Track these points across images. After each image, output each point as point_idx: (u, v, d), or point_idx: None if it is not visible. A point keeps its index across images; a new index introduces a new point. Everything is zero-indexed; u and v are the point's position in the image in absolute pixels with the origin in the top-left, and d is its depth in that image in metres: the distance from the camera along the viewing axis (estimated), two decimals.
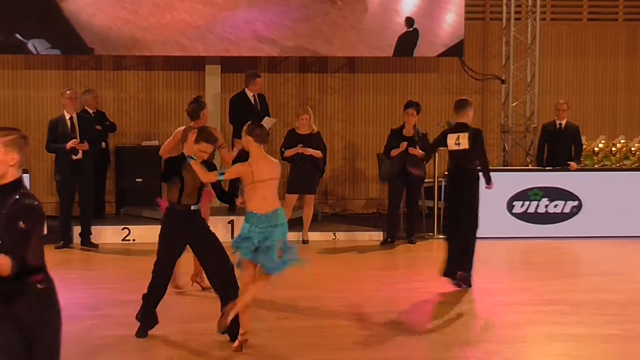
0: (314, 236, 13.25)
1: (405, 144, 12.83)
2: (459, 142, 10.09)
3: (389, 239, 13.08)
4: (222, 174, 7.65)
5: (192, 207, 8.04)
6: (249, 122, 7.80)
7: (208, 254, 7.97)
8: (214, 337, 7.95)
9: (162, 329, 8.23)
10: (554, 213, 13.70)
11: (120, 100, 15.17)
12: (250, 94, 13.48)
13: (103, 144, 13.71)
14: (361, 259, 12.17)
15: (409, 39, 14.69)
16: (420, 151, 12.99)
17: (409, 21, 14.64)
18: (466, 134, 10.12)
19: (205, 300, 9.46)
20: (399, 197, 13.14)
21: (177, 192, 7.98)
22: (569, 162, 13.65)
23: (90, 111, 13.74)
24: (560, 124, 13.86)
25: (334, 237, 13.43)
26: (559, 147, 13.79)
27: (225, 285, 7.83)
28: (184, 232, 7.99)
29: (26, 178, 12.79)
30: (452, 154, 10.23)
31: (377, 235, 13.33)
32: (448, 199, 10.43)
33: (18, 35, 13.94)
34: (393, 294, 9.96)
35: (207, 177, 7.72)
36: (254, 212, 7.46)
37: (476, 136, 10.22)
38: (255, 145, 7.59)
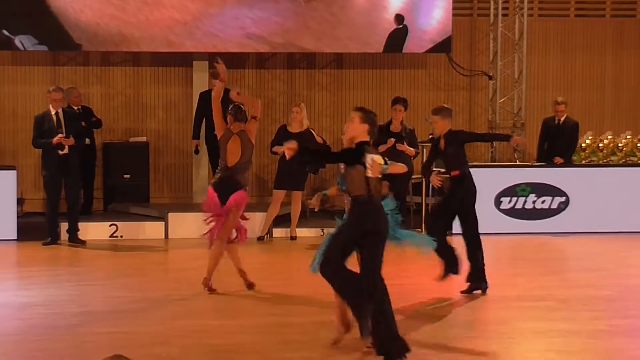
0: (302, 232, 13.25)
1: (392, 140, 12.85)
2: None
3: None
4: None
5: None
6: None
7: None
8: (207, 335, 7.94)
9: (155, 326, 8.22)
10: (542, 209, 13.73)
11: (108, 97, 15.13)
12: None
13: (87, 140, 13.67)
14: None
15: (398, 36, 14.71)
16: (408, 147, 13.02)
17: (399, 18, 14.65)
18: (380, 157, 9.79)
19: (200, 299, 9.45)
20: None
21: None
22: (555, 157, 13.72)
23: (75, 108, 13.70)
24: (559, 119, 13.92)
25: (322, 233, 13.43)
26: (558, 143, 13.87)
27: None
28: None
29: (13, 174, 12.91)
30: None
31: None
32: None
33: (5, 32, 13.90)
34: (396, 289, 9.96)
35: (400, 168, 7.78)
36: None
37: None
38: None
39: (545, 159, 13.92)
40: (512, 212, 13.69)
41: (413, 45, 14.84)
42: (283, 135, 12.78)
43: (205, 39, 14.28)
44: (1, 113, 14.75)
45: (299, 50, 14.90)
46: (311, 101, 15.43)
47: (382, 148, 12.94)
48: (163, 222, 13.19)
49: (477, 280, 9.83)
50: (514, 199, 13.70)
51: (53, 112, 12.36)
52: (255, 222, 12.54)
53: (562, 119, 13.90)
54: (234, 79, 15.08)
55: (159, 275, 10.37)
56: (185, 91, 14.78)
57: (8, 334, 6.86)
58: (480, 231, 9.99)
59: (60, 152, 12.28)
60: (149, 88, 15.15)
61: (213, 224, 9.67)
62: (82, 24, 13.99)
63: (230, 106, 9.93)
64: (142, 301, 9.41)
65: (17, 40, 13.97)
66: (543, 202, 13.73)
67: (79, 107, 13.91)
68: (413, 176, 13.54)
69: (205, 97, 13.81)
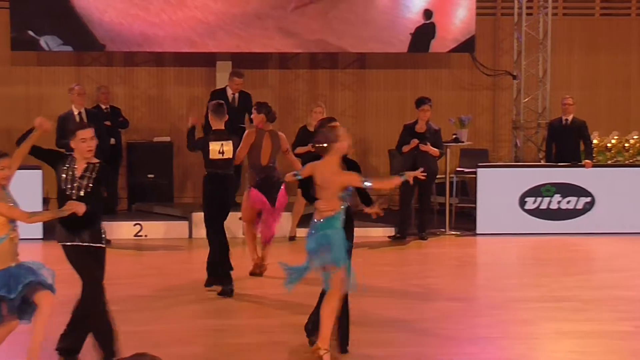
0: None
1: (416, 141, 12.82)
2: (222, 150, 9.88)
3: (398, 235, 13.08)
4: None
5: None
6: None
7: None
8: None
9: (179, 325, 8.23)
10: (567, 209, 13.65)
11: (132, 97, 15.18)
12: (229, 92, 13.82)
13: (113, 140, 13.71)
14: (373, 255, 12.15)
15: (425, 32, 14.64)
16: (431, 148, 12.98)
17: (427, 13, 14.58)
18: (230, 142, 9.87)
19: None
20: (410, 193, 13.10)
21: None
22: (582, 162, 13.58)
23: (103, 107, 13.77)
24: (567, 119, 13.83)
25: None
26: (566, 144, 13.76)
27: None
28: None
29: (39, 174, 12.97)
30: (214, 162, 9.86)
31: (390, 232, 13.30)
32: (215, 207, 10.02)
33: (30, 32, 13.98)
34: (406, 290, 9.95)
35: (389, 183, 7.66)
36: None
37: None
38: None
39: (555, 161, 13.83)
40: (536, 213, 13.62)
41: (436, 44, 14.79)
42: (304, 135, 12.80)
43: (228, 39, 14.30)
44: (27, 113, 14.80)
45: (322, 50, 14.89)
46: (333, 101, 15.42)
47: (405, 148, 12.94)
48: (187, 222, 13.21)
49: None
50: (539, 199, 13.63)
51: (76, 112, 12.38)
52: (283, 222, 12.53)
53: (570, 118, 13.80)
54: (256, 79, 15.11)
55: (183, 275, 10.38)
56: (208, 91, 14.77)
57: (31, 332, 6.89)
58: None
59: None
60: (172, 88, 15.18)
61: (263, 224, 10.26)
62: (105, 24, 14.05)
63: (257, 104, 10.32)
64: (165, 300, 9.43)
65: (42, 41, 14.05)
66: (568, 202, 13.64)
67: (108, 106, 13.97)
68: (437, 176, 13.54)
69: (218, 95, 13.86)
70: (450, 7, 14.75)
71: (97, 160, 7.10)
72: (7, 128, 14.83)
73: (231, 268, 9.83)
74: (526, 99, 15.48)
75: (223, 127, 9.96)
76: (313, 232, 7.21)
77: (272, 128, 10.44)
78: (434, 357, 7.20)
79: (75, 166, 6.98)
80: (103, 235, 7.11)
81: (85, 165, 6.98)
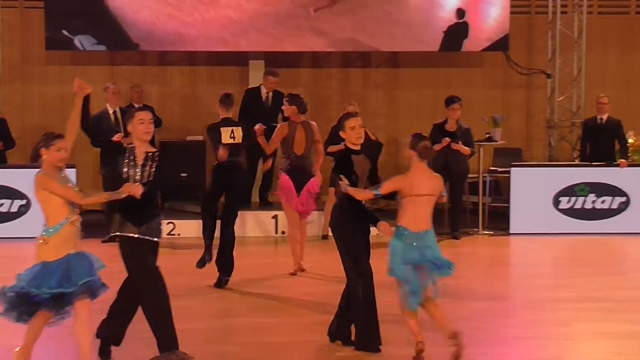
0: None
1: (447, 139, 12.77)
2: (233, 135, 9.99)
3: None
4: (378, 189, 7.31)
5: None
6: (413, 136, 7.49)
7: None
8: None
9: (212, 323, 8.24)
10: (601, 209, 13.54)
11: (165, 96, 15.23)
12: (263, 90, 13.93)
13: None
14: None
15: (457, 32, 14.58)
16: (463, 147, 12.93)
17: (460, 12, 14.52)
18: (239, 128, 10.04)
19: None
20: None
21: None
22: (617, 161, 13.47)
23: (136, 106, 13.82)
24: (602, 118, 13.72)
25: (378, 232, 13.36)
26: (601, 143, 13.65)
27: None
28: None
29: (73, 172, 13.04)
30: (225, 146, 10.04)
31: None
32: (220, 189, 10.23)
33: (65, 32, 14.07)
34: (438, 289, 9.89)
35: (362, 195, 7.40)
36: (406, 228, 7.22)
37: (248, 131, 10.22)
38: (417, 159, 7.34)
39: (590, 160, 13.71)
40: (571, 212, 13.52)
41: (470, 43, 14.72)
42: (336, 134, 12.77)
43: (260, 38, 14.31)
44: (61, 112, 14.90)
45: (354, 49, 14.87)
46: (366, 100, 15.39)
47: (437, 147, 12.87)
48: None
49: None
50: (573, 198, 13.53)
51: (111, 111, 12.47)
52: (314, 220, 12.55)
53: (605, 117, 13.68)
54: (289, 78, 15.11)
55: (215, 273, 10.39)
56: (241, 90, 14.78)
57: (66, 331, 6.92)
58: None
59: None
60: (205, 87, 15.22)
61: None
62: (139, 23, 14.11)
63: (289, 95, 10.44)
64: (199, 298, 9.47)
65: (77, 40, 14.14)
66: (603, 202, 13.53)
67: (141, 105, 14.02)
68: (470, 175, 13.49)
69: (252, 93, 13.99)
70: (484, 6, 14.67)
71: (154, 149, 7.11)
72: (41, 127, 14.92)
73: (228, 273, 10.05)
74: (560, 98, 15.37)
75: (231, 116, 10.23)
76: (415, 243, 7.16)
77: (304, 119, 10.52)
78: (466, 357, 7.16)
79: (136, 156, 6.98)
80: (161, 229, 7.04)
81: (145, 154, 6.98)
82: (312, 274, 10.55)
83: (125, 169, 6.94)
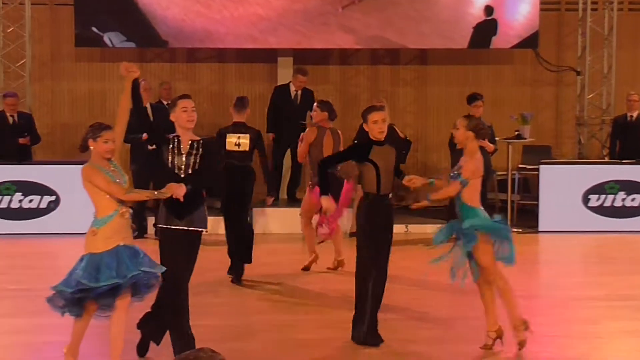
0: None
1: None
2: (239, 143, 9.91)
3: None
4: (459, 177, 7.45)
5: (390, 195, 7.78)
6: (465, 117, 7.66)
7: None
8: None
9: (239, 320, 8.24)
10: (631, 207, 13.45)
11: (194, 93, 15.18)
12: (292, 88, 14.05)
13: None
14: (431, 251, 12.07)
15: (485, 29, 14.52)
16: (487, 143, 12.85)
17: (488, 9, 14.46)
18: (247, 135, 9.92)
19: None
20: None
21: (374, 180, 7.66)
22: None
23: (165, 103, 13.87)
24: (632, 116, 13.63)
25: (406, 229, 13.37)
26: (631, 140, 13.57)
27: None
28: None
29: None
30: (230, 153, 9.99)
31: None
32: (228, 195, 10.15)
33: (94, 29, 14.14)
34: (465, 287, 9.85)
35: (449, 191, 7.52)
36: (477, 207, 7.39)
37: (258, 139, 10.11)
38: (474, 140, 7.53)
39: (619, 157, 13.61)
40: (600, 210, 13.44)
41: (499, 40, 14.66)
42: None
43: (289, 35, 14.32)
44: (91, 109, 15.01)
45: (382, 46, 14.85)
46: (395, 97, 15.36)
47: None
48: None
49: None
50: (602, 196, 13.44)
51: None
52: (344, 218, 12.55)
53: (635, 114, 13.58)
54: (317, 75, 15.12)
55: (246, 270, 10.41)
56: (269, 87, 14.83)
57: (89, 329, 6.95)
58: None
59: (150, 147, 12.42)
60: (233, 84, 15.25)
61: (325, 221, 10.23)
62: (168, 20, 14.16)
63: (320, 101, 10.45)
64: (226, 295, 9.49)
65: (106, 37, 14.21)
66: (633, 199, 13.44)
67: (169, 102, 14.06)
68: (499, 173, 13.42)
69: (281, 91, 14.06)
70: (513, 3, 14.60)
71: (199, 137, 7.03)
72: (71, 124, 15.06)
73: (249, 260, 10.06)
74: (590, 95, 15.27)
75: (243, 121, 10.13)
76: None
77: (332, 126, 10.50)
78: (495, 355, 7.13)
79: (181, 145, 6.89)
80: (206, 218, 6.92)
81: (189, 142, 6.90)
82: (339, 270, 10.59)
83: (170, 158, 6.84)
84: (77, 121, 15.06)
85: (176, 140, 6.93)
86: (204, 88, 15.29)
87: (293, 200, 14.06)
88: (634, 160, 13.50)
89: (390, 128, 12.94)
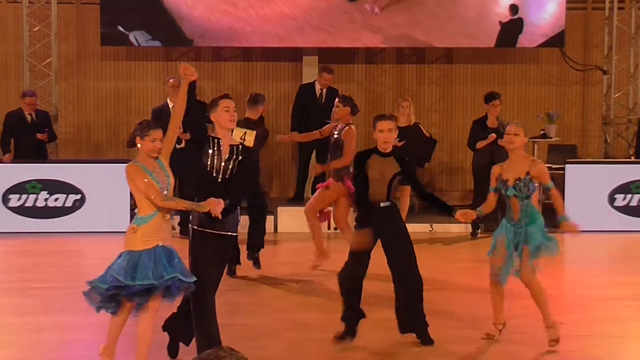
0: (411, 227, 13.05)
1: (493, 135, 12.67)
2: (244, 137, 9.86)
3: (477, 230, 12.99)
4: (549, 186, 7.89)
5: (382, 204, 7.65)
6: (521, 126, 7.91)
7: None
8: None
9: (264, 319, 8.25)
10: None
11: (219, 91, 15.20)
12: (317, 87, 14.04)
13: None
14: (454, 251, 12.06)
15: (511, 28, 14.47)
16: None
17: (514, 8, 14.40)
18: (253, 132, 9.80)
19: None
20: (486, 189, 12.92)
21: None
22: None
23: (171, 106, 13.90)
24: None
25: (431, 228, 13.34)
26: None
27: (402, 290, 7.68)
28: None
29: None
30: None
31: (469, 227, 13.14)
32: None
33: (120, 28, 14.21)
34: (488, 287, 9.82)
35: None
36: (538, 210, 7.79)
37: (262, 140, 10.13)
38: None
39: None
40: (626, 210, 13.35)
41: (525, 39, 14.60)
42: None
43: (314, 34, 14.33)
44: (116, 107, 15.08)
45: (408, 45, 14.82)
46: (420, 96, 15.34)
47: (481, 144, 12.80)
48: (272, 216, 13.27)
49: None
50: (629, 196, 13.35)
51: (171, 105, 12.54)
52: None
53: None
54: (343, 74, 15.12)
55: (268, 269, 10.44)
56: (295, 86, 14.84)
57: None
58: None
59: (178, 146, 12.41)
60: (259, 83, 15.27)
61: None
62: (194, 19, 14.20)
63: (342, 97, 10.44)
64: (250, 294, 9.50)
65: (132, 36, 14.27)
66: None
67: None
68: None
69: (306, 89, 14.07)
70: (539, 2, 14.53)
71: (237, 142, 6.97)
72: (97, 122, 15.14)
73: (261, 243, 10.32)
74: (617, 94, 15.18)
75: (254, 118, 10.17)
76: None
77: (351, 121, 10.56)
78: (517, 354, 7.10)
79: (221, 149, 6.80)
80: (238, 222, 6.85)
81: (229, 147, 6.78)
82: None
83: (209, 161, 6.74)
84: (103, 120, 15.15)
85: (217, 142, 6.83)
86: (229, 87, 15.31)
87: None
88: None
89: (416, 126, 12.99)
